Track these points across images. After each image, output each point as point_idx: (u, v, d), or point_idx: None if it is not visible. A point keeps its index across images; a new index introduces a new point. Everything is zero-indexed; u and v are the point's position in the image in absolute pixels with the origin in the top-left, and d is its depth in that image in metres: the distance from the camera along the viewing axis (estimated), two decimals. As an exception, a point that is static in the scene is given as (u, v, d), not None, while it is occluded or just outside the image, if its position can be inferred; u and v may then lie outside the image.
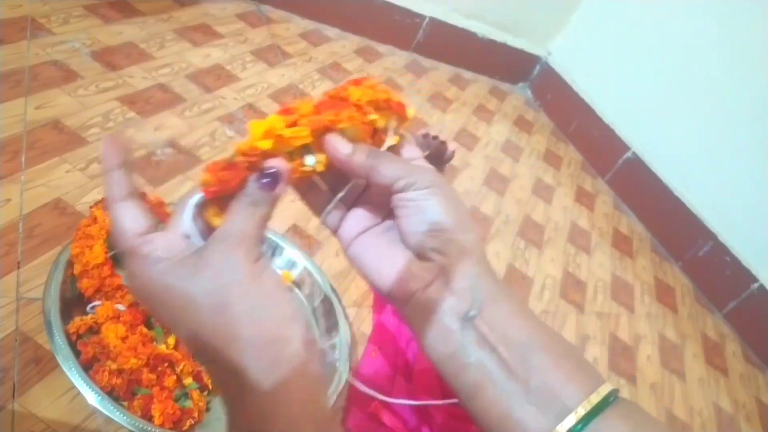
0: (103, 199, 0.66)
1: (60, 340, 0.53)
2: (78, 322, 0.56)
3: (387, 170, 0.32)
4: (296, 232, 0.92)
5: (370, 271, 0.34)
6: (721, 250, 1.52)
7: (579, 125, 1.84)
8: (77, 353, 0.55)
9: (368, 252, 0.34)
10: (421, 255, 0.32)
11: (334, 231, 0.36)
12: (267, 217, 0.32)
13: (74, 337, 0.56)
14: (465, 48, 1.80)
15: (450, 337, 0.31)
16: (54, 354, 0.53)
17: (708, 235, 1.54)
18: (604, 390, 0.30)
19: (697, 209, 1.56)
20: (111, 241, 0.62)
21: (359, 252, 0.35)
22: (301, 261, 0.78)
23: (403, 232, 0.33)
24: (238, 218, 0.31)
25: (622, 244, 1.52)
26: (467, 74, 1.85)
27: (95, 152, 0.84)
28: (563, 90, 1.88)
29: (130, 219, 0.30)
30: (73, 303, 0.60)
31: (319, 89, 1.32)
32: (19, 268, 0.65)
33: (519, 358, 0.30)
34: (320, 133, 0.32)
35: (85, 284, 0.59)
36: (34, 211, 0.72)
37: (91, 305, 0.59)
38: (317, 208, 0.37)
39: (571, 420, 0.29)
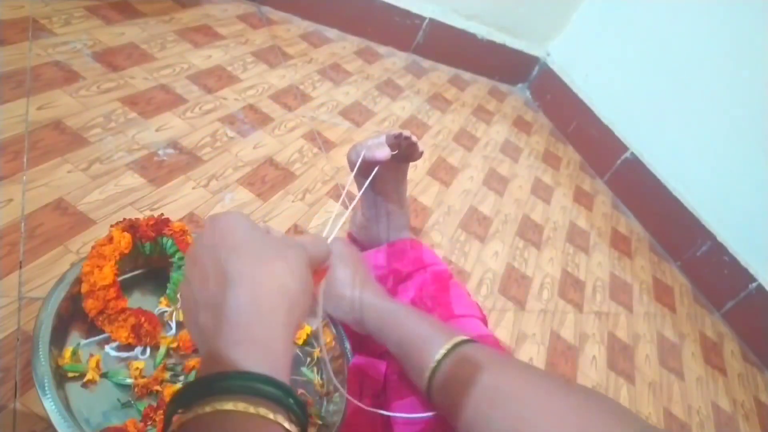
0: (124, 219, 0.65)
1: (43, 360, 0.51)
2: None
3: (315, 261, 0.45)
4: (296, 232, 0.93)
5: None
6: (719, 249, 1.52)
7: (578, 126, 1.84)
8: (60, 376, 0.54)
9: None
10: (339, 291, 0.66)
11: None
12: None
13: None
14: (464, 49, 1.81)
15: (354, 314, 0.65)
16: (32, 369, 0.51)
17: (706, 235, 1.54)
18: (450, 344, 0.55)
19: (695, 209, 1.57)
20: (122, 264, 0.62)
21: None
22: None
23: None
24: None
25: (620, 243, 1.52)
26: (466, 75, 1.86)
27: (97, 152, 0.85)
28: (562, 91, 1.88)
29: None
30: (73, 320, 0.60)
31: (320, 90, 1.32)
32: (21, 267, 0.66)
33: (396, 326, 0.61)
34: None
35: (90, 305, 0.58)
36: (36, 211, 0.72)
37: (84, 342, 0.58)
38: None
39: (429, 369, 0.54)
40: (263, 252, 0.35)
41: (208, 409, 0.29)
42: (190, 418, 0.29)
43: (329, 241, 0.47)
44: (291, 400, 0.31)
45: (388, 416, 0.61)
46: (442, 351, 0.54)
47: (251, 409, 0.29)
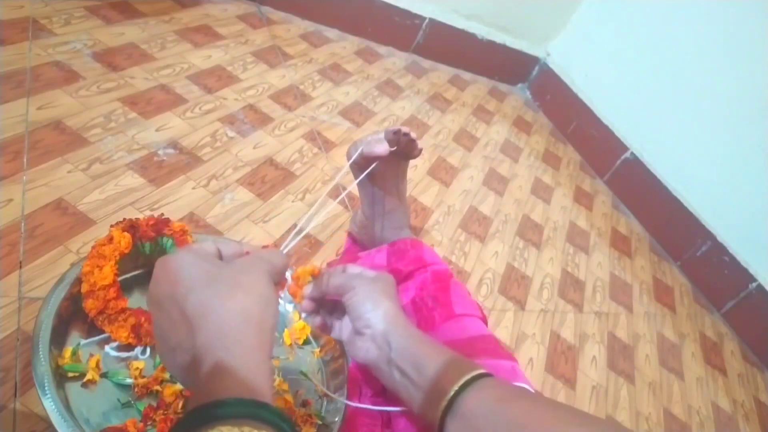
0: (124, 219, 0.65)
1: (43, 360, 0.51)
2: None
3: (334, 289, 0.57)
4: (297, 232, 0.93)
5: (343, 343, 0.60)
6: (719, 249, 1.52)
7: (578, 126, 1.84)
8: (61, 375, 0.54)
9: (341, 332, 0.60)
10: (359, 332, 0.55)
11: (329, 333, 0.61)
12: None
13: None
14: (464, 49, 1.81)
15: (379, 364, 0.54)
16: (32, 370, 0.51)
17: (706, 234, 1.54)
18: (469, 375, 0.47)
19: (695, 209, 1.57)
20: (122, 264, 0.62)
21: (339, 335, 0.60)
22: None
23: (351, 319, 0.57)
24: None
25: (620, 243, 1.52)
26: (466, 75, 1.86)
27: (97, 152, 0.85)
28: (562, 91, 1.88)
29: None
30: (73, 320, 0.59)
31: (320, 90, 1.32)
32: (21, 267, 0.66)
33: (415, 370, 0.50)
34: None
35: (90, 305, 0.58)
36: (36, 212, 0.72)
37: (84, 342, 0.58)
38: (326, 331, 0.61)
39: (446, 400, 0.46)
40: (218, 285, 0.37)
41: None
42: None
43: (285, 251, 0.54)
44: (283, 422, 0.32)
45: (389, 416, 0.61)
46: (461, 382, 0.47)
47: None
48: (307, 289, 0.59)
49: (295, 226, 0.93)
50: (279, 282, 0.43)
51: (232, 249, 0.44)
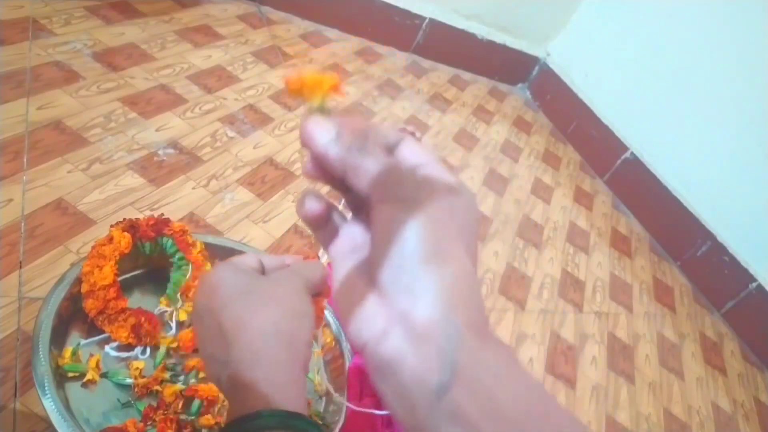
0: (124, 219, 0.65)
1: (43, 360, 0.52)
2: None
3: (367, 173, 0.24)
4: (296, 232, 0.93)
5: (339, 307, 0.26)
6: (719, 249, 1.52)
7: (578, 126, 1.84)
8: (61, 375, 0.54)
9: (340, 281, 0.27)
10: (384, 293, 0.24)
11: (326, 248, 0.30)
12: None
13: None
14: (464, 49, 1.81)
15: (415, 408, 0.22)
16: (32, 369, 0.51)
17: (706, 234, 1.54)
18: None
19: (695, 209, 1.57)
20: (122, 264, 0.62)
21: (336, 277, 0.27)
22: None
23: (373, 262, 0.24)
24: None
25: (620, 243, 1.52)
26: (466, 75, 1.86)
27: (97, 152, 0.85)
28: (562, 91, 1.88)
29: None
30: (73, 320, 0.59)
31: (319, 90, 1.32)
32: (21, 267, 0.66)
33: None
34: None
35: (90, 305, 0.58)
36: (36, 212, 0.72)
37: (84, 342, 0.58)
38: (326, 243, 0.30)
39: None
40: (251, 299, 0.38)
41: None
42: None
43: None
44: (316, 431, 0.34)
45: (389, 416, 0.61)
46: None
47: None
48: (314, 128, 0.26)
49: (296, 226, 0.93)
50: (321, 293, 0.43)
51: (274, 261, 0.44)
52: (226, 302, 0.37)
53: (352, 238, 0.28)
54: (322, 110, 0.28)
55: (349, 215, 0.29)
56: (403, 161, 0.27)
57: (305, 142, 0.26)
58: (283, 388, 0.35)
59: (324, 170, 0.26)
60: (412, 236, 0.23)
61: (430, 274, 0.23)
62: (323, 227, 0.29)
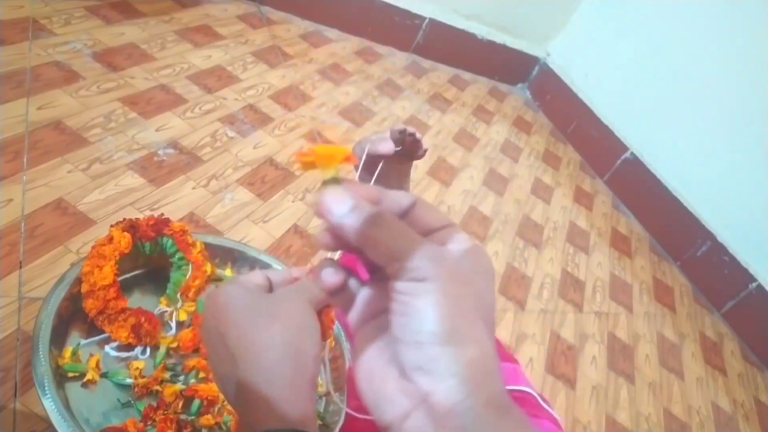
0: (124, 219, 0.65)
1: (43, 360, 0.51)
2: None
3: (383, 246, 0.25)
4: (296, 231, 0.93)
5: (358, 381, 0.27)
6: (719, 249, 1.52)
7: (578, 126, 1.84)
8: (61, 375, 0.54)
9: (362, 354, 0.27)
10: (405, 372, 0.24)
11: (345, 312, 0.30)
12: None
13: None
14: (464, 49, 1.81)
15: None
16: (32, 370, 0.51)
17: (706, 234, 1.54)
18: None
19: (695, 209, 1.57)
20: (122, 264, 0.62)
21: (356, 349, 0.28)
22: None
23: (393, 337, 0.25)
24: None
25: (620, 243, 1.52)
26: (466, 75, 1.86)
27: (97, 152, 0.85)
28: (562, 91, 1.88)
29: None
30: (73, 320, 0.59)
31: (320, 90, 1.32)
32: (21, 267, 0.66)
33: None
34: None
35: (90, 305, 0.58)
36: (36, 212, 0.72)
37: (84, 342, 0.58)
38: (345, 308, 0.30)
39: None
40: (256, 317, 0.38)
41: None
42: None
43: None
44: None
45: None
46: None
47: None
48: (331, 201, 0.26)
49: (296, 226, 0.93)
50: (329, 305, 0.43)
51: (281, 276, 0.44)
52: (232, 322, 0.38)
53: (369, 305, 0.29)
54: (336, 181, 0.29)
55: (365, 275, 0.29)
56: (417, 222, 0.28)
57: (322, 215, 0.26)
58: (291, 405, 0.36)
59: (340, 239, 0.27)
60: (430, 317, 0.23)
61: (448, 356, 0.23)
62: (341, 293, 0.29)
